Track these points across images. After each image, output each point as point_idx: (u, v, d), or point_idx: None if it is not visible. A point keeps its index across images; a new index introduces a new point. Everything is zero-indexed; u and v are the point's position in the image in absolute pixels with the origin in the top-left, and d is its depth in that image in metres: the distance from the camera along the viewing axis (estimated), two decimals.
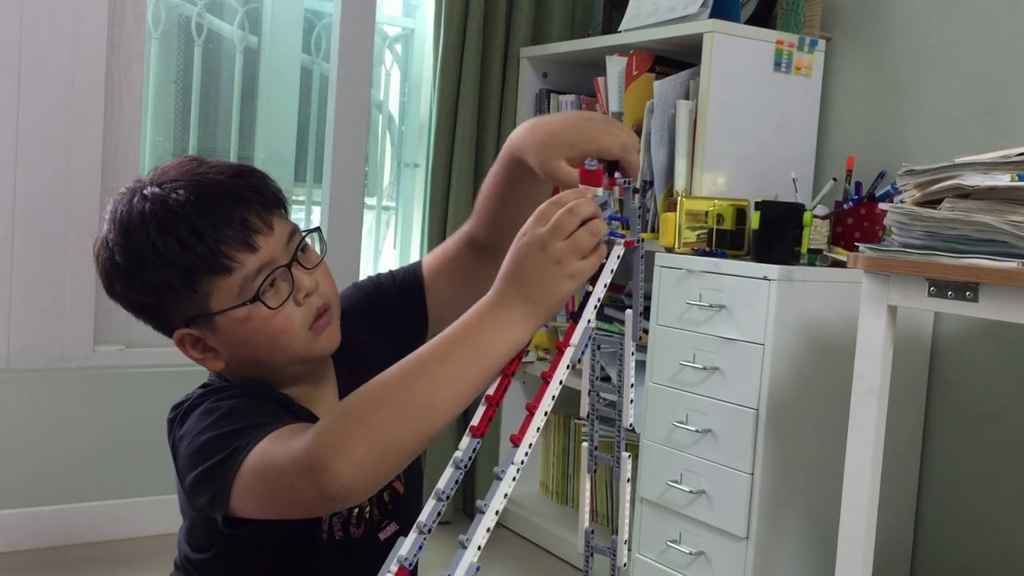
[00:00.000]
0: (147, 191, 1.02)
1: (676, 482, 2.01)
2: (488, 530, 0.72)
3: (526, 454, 0.75)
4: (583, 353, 0.83)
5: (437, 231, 2.80)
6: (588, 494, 0.91)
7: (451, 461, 0.76)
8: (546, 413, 0.78)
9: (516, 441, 0.76)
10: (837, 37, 2.35)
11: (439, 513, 0.74)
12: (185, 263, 0.99)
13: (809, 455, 1.94)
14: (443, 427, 0.84)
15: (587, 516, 0.90)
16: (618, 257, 0.87)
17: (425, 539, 0.73)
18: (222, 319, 1.02)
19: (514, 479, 0.74)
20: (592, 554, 0.90)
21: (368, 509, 1.12)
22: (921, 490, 2.16)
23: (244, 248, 1.00)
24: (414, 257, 3.06)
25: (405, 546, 0.73)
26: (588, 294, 0.85)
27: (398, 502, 1.16)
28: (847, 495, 1.58)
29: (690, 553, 1.99)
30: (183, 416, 1.03)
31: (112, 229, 1.02)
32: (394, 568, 0.72)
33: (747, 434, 1.89)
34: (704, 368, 1.96)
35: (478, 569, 0.70)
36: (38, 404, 2.43)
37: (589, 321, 0.84)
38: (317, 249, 1.09)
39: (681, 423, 2.00)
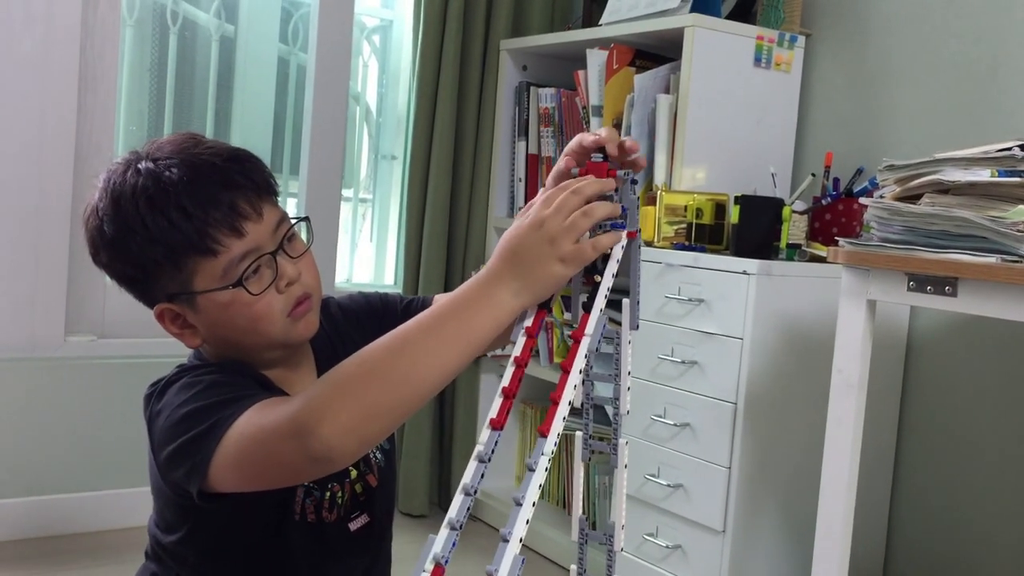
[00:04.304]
0: (141, 165, 1.02)
1: (654, 476, 2.01)
2: (527, 522, 0.73)
3: (555, 444, 0.77)
4: (599, 343, 0.83)
5: (414, 224, 2.79)
6: (582, 482, 0.91)
7: (474, 455, 0.78)
8: (570, 403, 0.80)
9: (543, 432, 0.77)
10: (817, 33, 2.36)
11: (468, 508, 0.75)
12: (171, 241, 1.00)
13: (786, 449, 1.95)
14: (428, 396, 0.86)
15: (580, 504, 0.90)
16: (622, 247, 0.88)
17: (457, 535, 0.74)
18: (203, 299, 1.02)
19: (546, 469, 0.75)
20: (586, 541, 0.90)
21: (341, 496, 1.12)
22: (895, 483, 2.17)
23: (231, 233, 1.01)
24: (391, 250, 3.05)
25: (438, 544, 0.73)
26: (598, 284, 0.86)
27: (371, 495, 1.17)
28: (825, 488, 1.59)
29: (667, 546, 1.99)
30: (160, 391, 1.03)
31: (103, 199, 1.03)
32: (430, 567, 0.72)
33: (725, 428, 1.89)
34: (682, 362, 1.96)
35: (523, 562, 0.70)
36: (8, 395, 2.39)
37: (601, 310, 0.84)
38: (304, 238, 1.09)
39: (659, 417, 2.00)
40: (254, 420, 0.90)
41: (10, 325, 2.39)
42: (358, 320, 1.23)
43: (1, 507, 2.39)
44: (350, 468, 1.14)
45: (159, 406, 1.01)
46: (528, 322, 0.86)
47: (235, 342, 1.06)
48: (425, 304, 1.26)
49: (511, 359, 0.83)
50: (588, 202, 0.88)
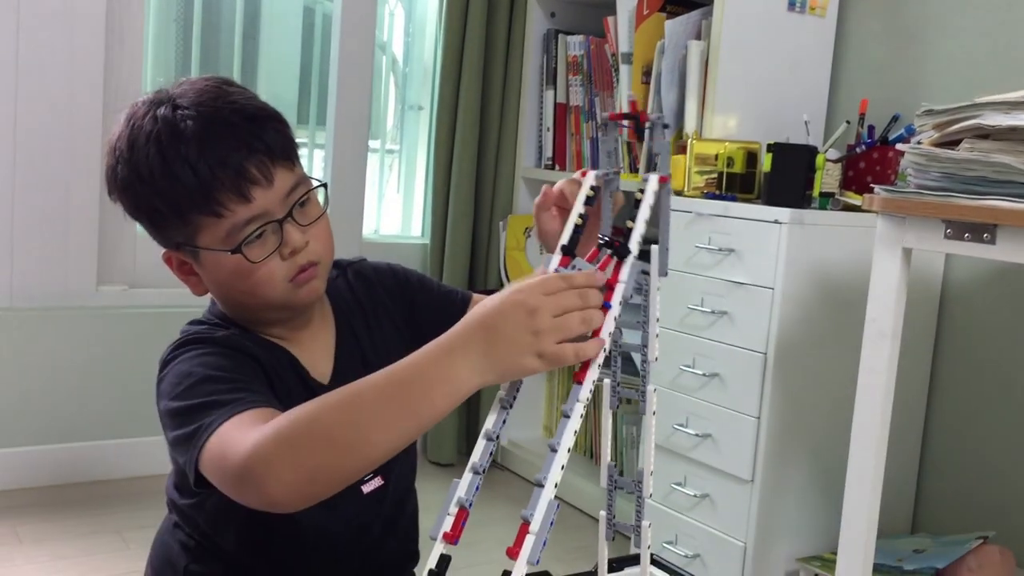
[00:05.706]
0: (161, 111, 1.00)
1: (682, 425, 2.01)
2: (562, 467, 0.73)
3: (590, 391, 0.77)
4: (633, 289, 0.82)
5: (442, 175, 2.78)
6: (610, 430, 0.91)
7: (496, 401, 0.78)
8: (606, 350, 0.79)
9: (579, 379, 0.77)
10: None
11: (491, 453, 0.76)
12: (176, 198, 0.99)
13: (816, 399, 1.94)
14: (377, 463, 0.82)
15: (609, 451, 0.90)
16: (654, 192, 0.86)
17: (480, 479, 0.75)
18: (206, 255, 1.02)
19: (581, 416, 0.75)
20: (615, 488, 0.90)
21: None
22: (926, 433, 2.16)
23: (238, 197, 0.99)
24: (418, 201, 3.05)
25: (461, 488, 0.74)
26: (630, 230, 0.84)
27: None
28: (856, 438, 1.58)
29: (695, 496, 1.99)
30: (166, 361, 1.03)
31: (123, 137, 1.02)
32: (454, 510, 0.73)
33: (754, 378, 1.88)
34: (712, 312, 1.95)
35: (558, 507, 0.71)
36: (41, 343, 2.42)
37: (635, 257, 0.84)
38: (320, 199, 1.07)
39: (688, 367, 1.99)
40: (225, 441, 0.88)
41: (43, 275, 2.42)
42: (385, 286, 1.22)
43: (34, 454, 2.43)
44: None
45: (161, 388, 1.01)
46: (555, 263, 0.85)
47: (236, 300, 1.06)
48: (465, 300, 1.23)
49: None
50: (586, 306, 0.80)
